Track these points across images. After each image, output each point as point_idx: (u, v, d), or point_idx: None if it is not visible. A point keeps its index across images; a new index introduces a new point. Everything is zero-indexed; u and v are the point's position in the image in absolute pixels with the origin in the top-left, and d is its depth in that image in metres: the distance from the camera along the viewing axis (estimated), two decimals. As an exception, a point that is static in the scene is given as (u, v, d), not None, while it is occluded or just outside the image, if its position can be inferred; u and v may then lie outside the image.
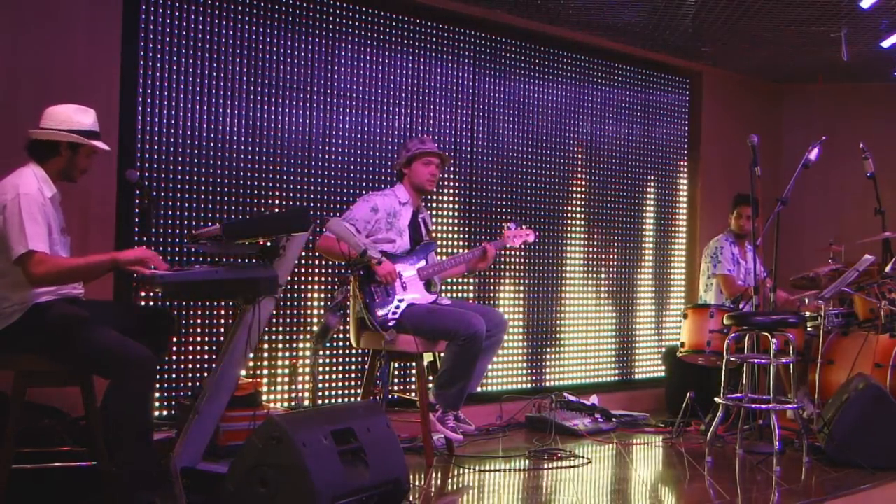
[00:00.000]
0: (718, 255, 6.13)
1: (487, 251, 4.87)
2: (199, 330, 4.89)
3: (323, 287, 5.35)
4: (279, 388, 5.16)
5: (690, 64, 7.43)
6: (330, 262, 5.28)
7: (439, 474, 4.53)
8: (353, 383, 5.45)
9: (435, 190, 5.47)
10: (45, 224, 3.44)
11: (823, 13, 5.97)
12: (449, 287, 5.78)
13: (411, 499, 3.92)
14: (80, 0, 4.56)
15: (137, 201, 4.61)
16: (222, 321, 4.93)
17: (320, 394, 5.29)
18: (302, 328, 5.26)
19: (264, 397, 4.81)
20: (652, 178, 7.26)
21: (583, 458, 4.88)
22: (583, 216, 6.76)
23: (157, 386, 4.61)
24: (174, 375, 4.80)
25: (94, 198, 4.46)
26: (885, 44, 6.44)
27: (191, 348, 4.85)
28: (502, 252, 6.09)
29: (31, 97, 3.91)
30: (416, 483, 4.24)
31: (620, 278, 7.02)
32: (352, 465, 3.39)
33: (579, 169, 6.75)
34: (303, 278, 5.28)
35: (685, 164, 7.54)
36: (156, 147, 4.79)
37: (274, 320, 5.08)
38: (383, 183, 5.53)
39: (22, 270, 3.39)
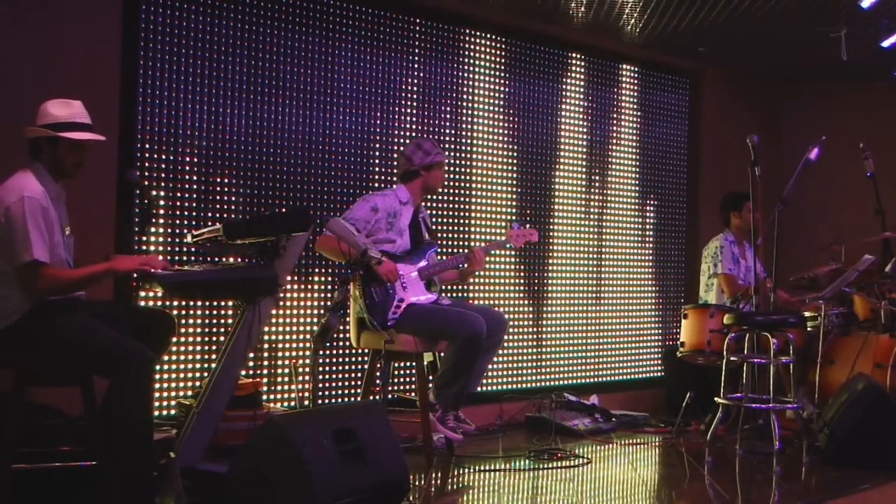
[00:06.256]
0: (719, 255, 6.13)
1: (475, 254, 4.84)
2: (199, 330, 4.89)
3: (323, 287, 5.35)
4: (279, 388, 5.16)
5: (690, 64, 7.43)
6: (330, 262, 5.27)
7: (439, 474, 4.53)
8: (353, 383, 5.45)
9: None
10: (46, 230, 3.43)
11: (823, 13, 5.97)
12: (449, 287, 5.77)
13: (411, 499, 3.92)
14: (81, 0, 4.56)
15: (137, 201, 4.62)
16: (222, 321, 4.93)
17: (320, 394, 5.29)
18: (302, 328, 5.26)
19: (264, 397, 4.81)
20: (652, 178, 7.25)
21: (583, 458, 4.88)
22: (583, 216, 6.76)
23: (157, 386, 4.60)
24: (174, 375, 4.79)
25: (93, 198, 4.46)
26: (885, 43, 6.44)
27: (191, 348, 4.85)
28: (502, 251, 6.09)
29: (31, 98, 3.90)
30: (416, 483, 4.24)
31: (621, 278, 7.02)
32: (352, 465, 3.39)
33: (579, 169, 6.74)
34: (303, 278, 5.28)
35: (685, 164, 7.53)
36: (156, 147, 4.79)
37: (274, 320, 5.08)
38: (383, 183, 5.53)
39: (23, 278, 3.39)
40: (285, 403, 5.11)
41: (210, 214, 4.93)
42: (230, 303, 4.74)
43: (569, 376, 6.65)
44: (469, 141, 6.09)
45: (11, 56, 4.35)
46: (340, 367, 5.43)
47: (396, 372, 5.49)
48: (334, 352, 5.39)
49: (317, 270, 5.34)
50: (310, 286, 5.31)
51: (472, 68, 6.12)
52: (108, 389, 3.49)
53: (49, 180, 3.56)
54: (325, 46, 5.41)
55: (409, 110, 5.79)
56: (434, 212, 5.77)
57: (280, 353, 5.17)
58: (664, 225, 7.35)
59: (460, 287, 5.92)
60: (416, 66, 5.83)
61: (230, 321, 4.68)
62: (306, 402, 4.98)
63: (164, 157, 4.81)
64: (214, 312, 4.92)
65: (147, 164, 4.75)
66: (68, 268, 3.59)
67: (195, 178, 4.91)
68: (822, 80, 7.93)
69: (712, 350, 5.54)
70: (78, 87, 4.21)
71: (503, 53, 6.30)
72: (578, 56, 6.75)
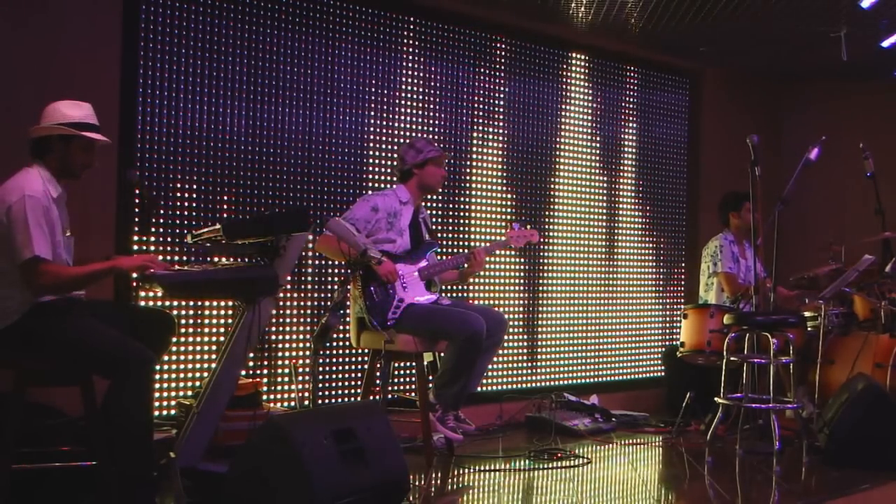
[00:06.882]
0: (718, 254, 6.13)
1: (476, 255, 4.85)
2: (199, 330, 4.89)
3: (323, 287, 5.35)
4: (279, 388, 5.16)
5: (690, 64, 7.43)
6: (330, 262, 5.28)
7: (439, 474, 4.53)
8: (353, 383, 5.45)
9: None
10: (48, 229, 3.44)
11: (823, 13, 5.97)
12: (449, 287, 5.77)
13: (411, 499, 3.92)
14: (81, 0, 4.56)
15: (137, 201, 4.62)
16: (222, 321, 4.93)
17: (320, 394, 5.29)
18: (302, 328, 5.26)
19: (264, 397, 4.81)
20: (652, 178, 7.25)
21: (583, 458, 4.88)
22: (583, 216, 6.76)
23: (157, 386, 4.60)
24: (174, 375, 4.80)
25: (93, 198, 4.46)
26: (885, 43, 6.43)
27: (191, 348, 4.85)
28: (502, 252, 6.09)
29: (31, 98, 3.92)
30: (416, 483, 4.24)
31: (620, 278, 7.02)
32: (352, 465, 3.39)
33: (579, 169, 6.74)
34: (303, 278, 5.28)
35: (685, 164, 7.53)
36: (156, 147, 4.79)
37: (274, 320, 5.08)
38: (383, 183, 5.53)
39: (25, 276, 3.40)
40: (285, 403, 5.12)
41: (210, 214, 4.93)
42: (230, 303, 4.74)
43: (569, 376, 6.65)
44: (469, 141, 6.09)
45: (13, 58, 4.35)
46: (340, 367, 5.43)
47: (396, 372, 5.49)
48: (334, 352, 5.40)
49: (317, 270, 5.34)
50: (310, 286, 5.31)
51: (472, 68, 6.12)
52: (108, 389, 3.49)
53: (53, 180, 3.56)
54: (325, 46, 5.41)
55: (409, 111, 5.79)
56: (434, 212, 5.77)
57: (280, 353, 5.18)
58: (664, 225, 7.35)
59: (460, 287, 5.92)
60: (416, 66, 5.83)
61: (230, 321, 4.68)
62: (306, 402, 4.98)
63: (164, 157, 4.81)
64: (214, 312, 4.93)
65: (147, 164, 4.76)
66: (69, 267, 3.60)
67: (195, 178, 4.91)
68: (822, 80, 7.93)
69: (712, 350, 5.54)
70: (79, 88, 4.21)
71: (503, 53, 6.29)
72: (578, 56, 6.74)
